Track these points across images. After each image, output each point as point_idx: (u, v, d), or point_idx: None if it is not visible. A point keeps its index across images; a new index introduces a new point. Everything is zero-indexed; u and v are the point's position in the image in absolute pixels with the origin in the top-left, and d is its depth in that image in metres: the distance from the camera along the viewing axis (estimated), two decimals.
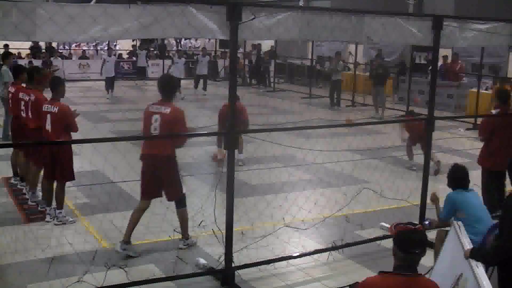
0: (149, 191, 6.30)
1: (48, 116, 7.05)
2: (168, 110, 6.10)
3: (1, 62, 12.10)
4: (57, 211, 7.19)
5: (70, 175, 7.23)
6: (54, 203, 7.37)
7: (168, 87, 6.33)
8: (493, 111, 7.98)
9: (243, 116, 9.71)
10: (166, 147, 6.11)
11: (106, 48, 27.61)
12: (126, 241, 6.23)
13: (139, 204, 6.38)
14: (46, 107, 7.13)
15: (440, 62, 17.89)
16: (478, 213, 5.27)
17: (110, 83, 19.50)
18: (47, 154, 7.16)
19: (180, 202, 6.39)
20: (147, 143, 6.26)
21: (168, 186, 6.28)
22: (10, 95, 8.60)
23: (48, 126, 7.06)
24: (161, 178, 6.21)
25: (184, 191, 6.38)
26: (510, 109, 7.74)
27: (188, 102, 18.55)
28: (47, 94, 7.44)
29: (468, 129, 14.87)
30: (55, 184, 7.31)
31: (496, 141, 7.47)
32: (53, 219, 7.18)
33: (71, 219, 7.21)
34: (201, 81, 21.47)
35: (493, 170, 7.47)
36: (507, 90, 8.56)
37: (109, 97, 19.37)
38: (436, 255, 5.37)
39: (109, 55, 20.54)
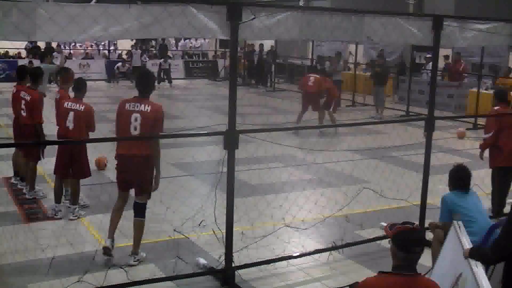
0: (125, 181, 6.15)
1: (71, 113, 7.10)
2: (149, 109, 5.88)
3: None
4: (72, 206, 7.38)
5: (87, 171, 7.44)
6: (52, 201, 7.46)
7: (147, 83, 6.08)
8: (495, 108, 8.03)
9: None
10: (146, 147, 5.88)
11: (108, 47, 27.78)
12: (112, 238, 6.18)
13: (118, 198, 6.24)
14: (69, 105, 7.19)
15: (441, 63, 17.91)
16: (472, 214, 5.27)
17: None
18: (65, 153, 7.21)
19: (142, 211, 6.10)
20: (125, 143, 6.05)
21: (141, 184, 6.03)
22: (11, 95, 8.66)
23: (69, 124, 7.10)
24: (135, 177, 6.01)
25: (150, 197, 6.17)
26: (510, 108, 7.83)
27: (188, 102, 18.57)
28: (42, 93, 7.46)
29: (468, 129, 14.84)
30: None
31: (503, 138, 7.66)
32: (57, 214, 7.33)
33: (83, 213, 7.43)
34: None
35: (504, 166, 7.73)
36: (505, 90, 8.64)
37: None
38: (433, 255, 5.37)
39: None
